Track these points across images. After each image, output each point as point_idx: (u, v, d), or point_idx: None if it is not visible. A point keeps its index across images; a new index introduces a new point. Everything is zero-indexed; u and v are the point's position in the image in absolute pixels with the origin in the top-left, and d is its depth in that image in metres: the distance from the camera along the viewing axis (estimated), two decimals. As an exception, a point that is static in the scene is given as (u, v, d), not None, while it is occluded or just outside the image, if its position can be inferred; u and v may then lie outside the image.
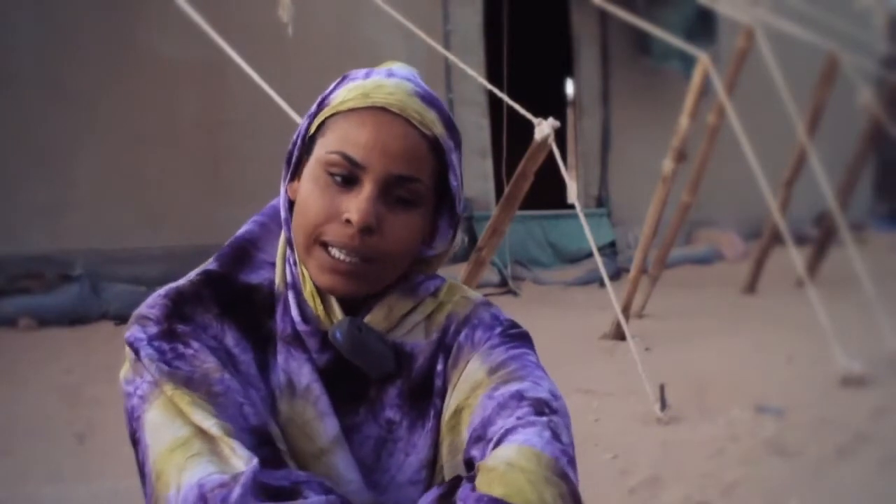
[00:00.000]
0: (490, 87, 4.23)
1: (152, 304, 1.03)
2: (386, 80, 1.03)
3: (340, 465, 1.02)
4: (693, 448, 3.08)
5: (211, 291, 1.04)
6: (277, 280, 1.06)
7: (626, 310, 4.84)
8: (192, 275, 1.07)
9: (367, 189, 0.98)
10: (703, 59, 4.96)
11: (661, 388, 3.47)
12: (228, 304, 1.05)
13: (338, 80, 1.06)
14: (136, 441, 0.97)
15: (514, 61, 7.66)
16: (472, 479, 0.91)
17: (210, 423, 0.93)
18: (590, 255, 5.71)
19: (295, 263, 1.05)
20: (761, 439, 3.20)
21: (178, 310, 1.02)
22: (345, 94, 1.03)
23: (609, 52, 9.20)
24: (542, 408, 0.98)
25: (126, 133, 5.58)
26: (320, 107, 1.05)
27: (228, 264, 1.08)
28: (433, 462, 1.07)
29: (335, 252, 0.99)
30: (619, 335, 4.47)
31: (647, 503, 2.60)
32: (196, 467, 0.89)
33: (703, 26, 8.69)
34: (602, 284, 4.26)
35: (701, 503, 2.61)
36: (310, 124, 1.05)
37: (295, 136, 1.07)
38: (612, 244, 8.59)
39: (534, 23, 9.23)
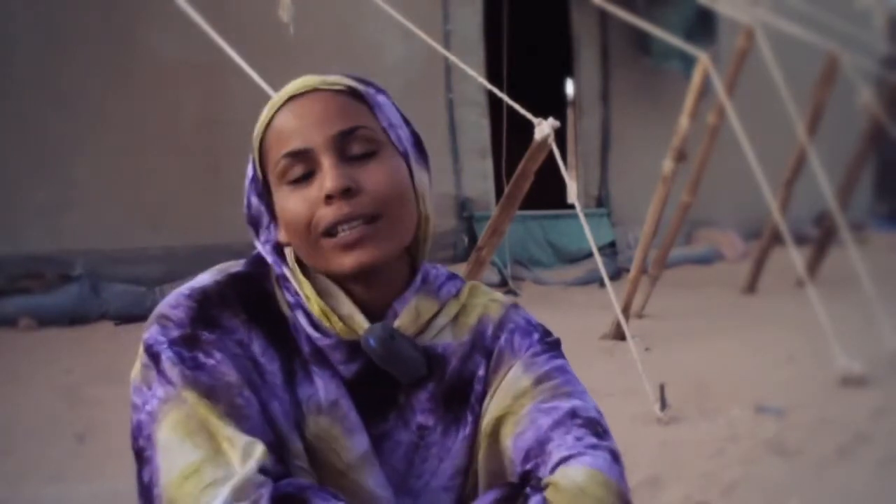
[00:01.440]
0: (490, 87, 4.23)
1: (175, 303, 0.99)
2: (284, 88, 1.04)
3: (370, 481, 1.00)
4: (693, 448, 3.08)
5: (237, 293, 1.02)
6: (281, 303, 1.04)
7: (626, 310, 4.84)
8: (216, 273, 1.04)
9: (325, 162, 0.98)
10: (703, 59, 4.96)
11: (661, 388, 3.47)
12: (254, 308, 1.02)
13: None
14: (144, 458, 0.94)
15: (514, 61, 7.66)
16: (536, 490, 0.92)
17: (241, 438, 0.91)
18: (590, 255, 5.71)
19: (297, 293, 1.03)
20: (761, 439, 3.20)
21: (204, 313, 0.98)
22: (260, 121, 1.04)
23: (609, 52, 9.20)
24: (598, 428, 1.00)
25: (126, 133, 5.58)
26: (252, 154, 1.06)
27: (254, 268, 1.06)
28: (468, 469, 1.05)
29: (338, 230, 0.97)
30: (619, 335, 4.46)
31: (647, 503, 2.60)
32: (212, 500, 0.87)
33: (703, 26, 8.69)
34: (602, 284, 4.26)
35: (701, 503, 2.61)
36: (255, 176, 1.06)
37: (245, 200, 1.06)
38: (612, 244, 8.58)
39: (534, 23, 9.22)
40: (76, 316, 5.05)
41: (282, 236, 1.04)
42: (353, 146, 1.00)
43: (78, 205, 5.41)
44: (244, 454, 0.90)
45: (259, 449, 0.90)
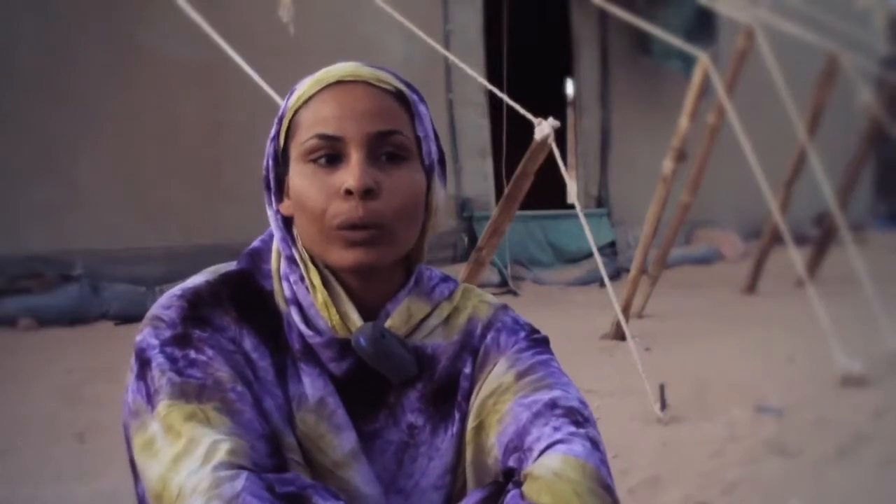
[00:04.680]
0: (490, 87, 4.23)
1: (167, 304, 1.00)
2: (332, 66, 1.04)
3: (357, 478, 1.00)
4: (693, 448, 3.08)
5: (228, 292, 1.03)
6: (278, 298, 1.05)
7: (626, 310, 4.84)
8: (208, 274, 1.05)
9: (354, 156, 0.98)
10: (703, 59, 4.96)
11: (661, 388, 3.47)
12: (246, 306, 1.03)
13: (287, 95, 1.07)
14: (134, 473, 0.97)
15: (514, 61, 7.66)
16: (517, 485, 0.92)
17: (208, 438, 0.91)
18: (590, 255, 5.71)
19: (301, 279, 1.03)
20: (761, 439, 3.20)
21: (195, 312, 0.99)
22: (299, 93, 1.03)
23: (609, 52, 9.20)
24: (577, 417, 1.00)
25: (126, 133, 5.58)
26: (280, 123, 1.05)
27: (247, 266, 1.07)
28: (456, 467, 1.06)
29: (350, 227, 0.98)
30: (619, 335, 4.46)
31: (647, 503, 2.60)
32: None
33: (703, 26, 8.69)
34: (602, 284, 4.26)
35: (701, 503, 2.61)
36: (276, 145, 1.05)
37: (265, 161, 1.06)
38: (612, 244, 8.58)
39: (534, 23, 9.22)
40: (76, 316, 5.05)
41: (285, 208, 1.05)
42: (386, 148, 1.00)
43: (78, 205, 5.41)
44: (206, 455, 0.89)
45: (223, 448, 0.89)
